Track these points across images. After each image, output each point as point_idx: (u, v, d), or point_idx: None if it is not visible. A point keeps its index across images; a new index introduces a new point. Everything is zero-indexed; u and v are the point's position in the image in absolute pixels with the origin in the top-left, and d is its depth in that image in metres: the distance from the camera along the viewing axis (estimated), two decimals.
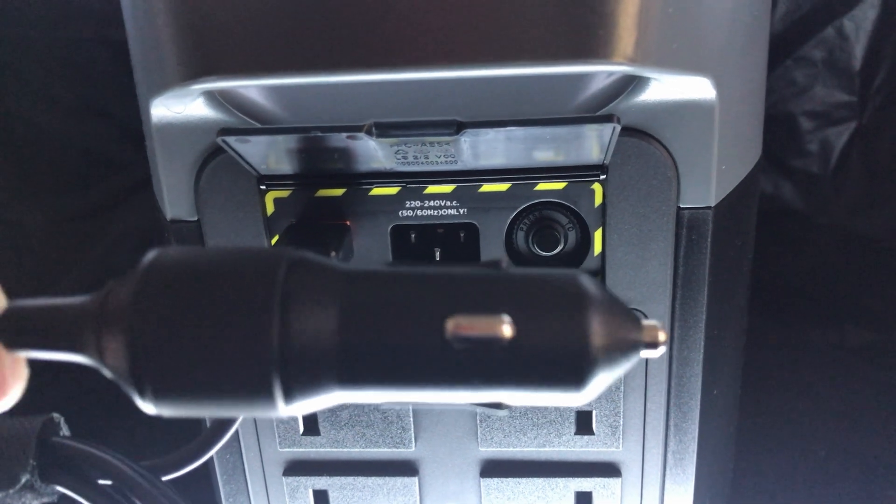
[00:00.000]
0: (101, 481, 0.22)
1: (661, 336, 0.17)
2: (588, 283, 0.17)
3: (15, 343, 0.18)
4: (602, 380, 0.17)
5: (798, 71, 0.64)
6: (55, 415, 0.23)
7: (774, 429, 0.57)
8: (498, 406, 0.18)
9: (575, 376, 0.17)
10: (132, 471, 0.22)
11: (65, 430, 0.24)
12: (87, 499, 0.22)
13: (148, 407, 0.18)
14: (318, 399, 0.17)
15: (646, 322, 0.18)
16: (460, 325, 0.17)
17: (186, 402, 0.17)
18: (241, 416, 0.20)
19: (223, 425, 0.25)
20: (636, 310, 0.33)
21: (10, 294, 0.19)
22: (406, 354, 0.17)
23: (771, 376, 0.62)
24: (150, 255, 0.18)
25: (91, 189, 0.67)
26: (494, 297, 0.17)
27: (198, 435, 0.25)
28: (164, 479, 0.24)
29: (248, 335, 0.17)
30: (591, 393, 0.17)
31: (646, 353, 0.18)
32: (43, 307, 0.19)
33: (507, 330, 0.17)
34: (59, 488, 0.22)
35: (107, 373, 0.18)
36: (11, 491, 0.21)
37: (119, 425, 0.58)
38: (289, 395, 0.17)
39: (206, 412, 0.18)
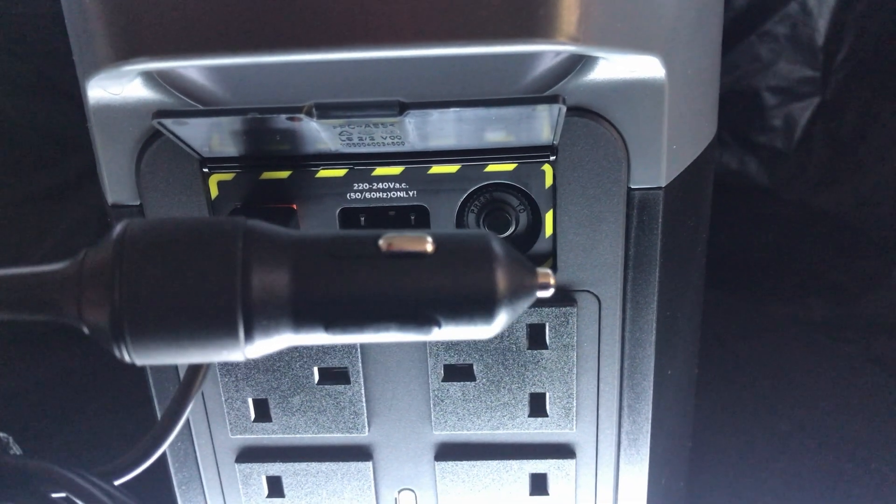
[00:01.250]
0: (54, 495, 0.22)
1: (552, 280, 0.22)
2: (495, 241, 0.21)
3: None
4: (506, 316, 0.21)
5: (762, 46, 0.64)
6: (2, 434, 0.24)
7: (737, 404, 0.57)
8: (428, 323, 0.21)
9: (486, 313, 0.21)
10: (84, 480, 0.22)
11: (16, 449, 0.24)
12: None
13: (125, 356, 0.20)
14: (273, 339, 0.20)
15: (539, 270, 0.22)
16: (392, 243, 0.20)
17: (161, 348, 0.20)
18: (209, 360, 0.21)
19: (169, 423, 0.25)
20: (588, 291, 0.32)
21: None
22: (348, 270, 0.20)
23: (733, 351, 0.63)
24: (122, 224, 0.20)
25: (50, 170, 0.66)
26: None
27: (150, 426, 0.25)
28: (118, 482, 0.24)
29: (215, 287, 0.19)
30: (497, 327, 0.21)
31: (541, 294, 0.22)
32: (18, 272, 0.20)
33: (429, 246, 0.20)
34: None
35: (84, 329, 0.20)
36: None
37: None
38: (249, 335, 0.20)
39: (178, 358, 0.20)
